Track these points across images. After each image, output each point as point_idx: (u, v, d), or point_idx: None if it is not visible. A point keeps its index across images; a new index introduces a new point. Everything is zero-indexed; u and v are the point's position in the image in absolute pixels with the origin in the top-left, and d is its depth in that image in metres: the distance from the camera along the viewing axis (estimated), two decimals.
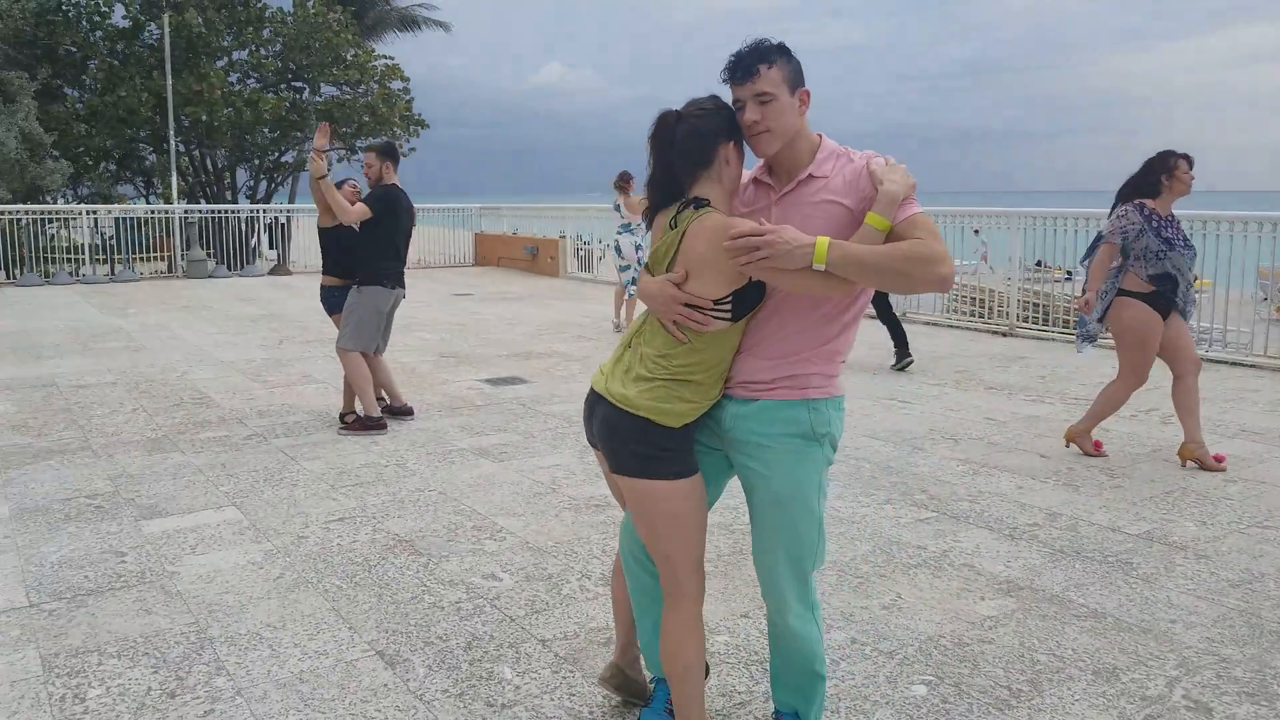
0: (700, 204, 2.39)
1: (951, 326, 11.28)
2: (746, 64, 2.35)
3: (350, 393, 6.23)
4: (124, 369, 8.21)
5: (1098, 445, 5.79)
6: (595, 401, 2.52)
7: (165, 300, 13.47)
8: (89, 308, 12.55)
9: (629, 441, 2.42)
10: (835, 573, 3.90)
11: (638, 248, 10.86)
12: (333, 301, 6.42)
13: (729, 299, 2.34)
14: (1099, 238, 5.66)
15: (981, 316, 11.37)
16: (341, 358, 6.17)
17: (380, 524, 4.42)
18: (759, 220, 2.32)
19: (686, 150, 2.39)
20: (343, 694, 2.92)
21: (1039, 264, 12.04)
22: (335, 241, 6.36)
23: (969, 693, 2.97)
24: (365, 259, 6.12)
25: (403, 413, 6.47)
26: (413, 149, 26.55)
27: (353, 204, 5.95)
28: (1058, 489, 5.07)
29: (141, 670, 3.03)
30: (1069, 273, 11.62)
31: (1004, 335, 10.62)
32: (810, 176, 2.41)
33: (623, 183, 11.01)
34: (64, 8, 21.35)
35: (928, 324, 11.40)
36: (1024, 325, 10.83)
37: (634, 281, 10.96)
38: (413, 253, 21.86)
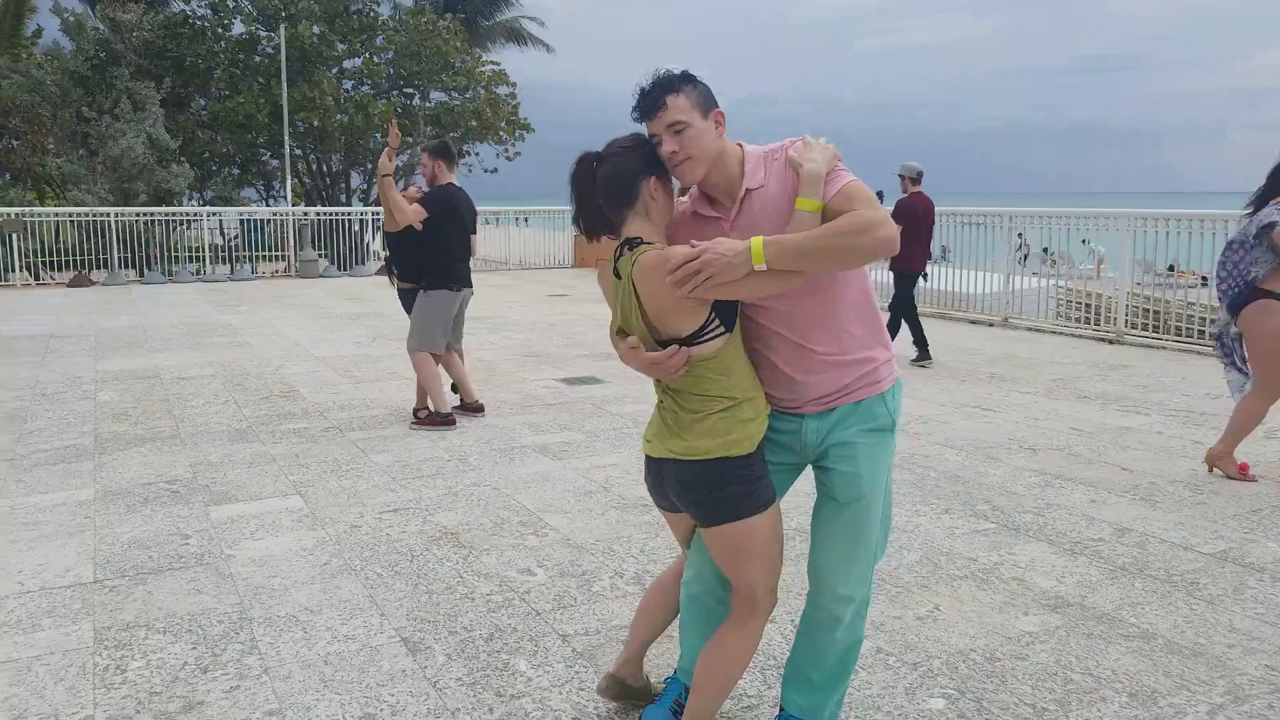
0: (634, 243, 2.36)
1: (1055, 332, 10.91)
2: (653, 98, 2.34)
3: (422, 390, 6.42)
4: (224, 363, 8.66)
5: (1244, 468, 5.32)
6: (659, 467, 2.46)
7: (275, 298, 14.11)
8: (205, 305, 13.25)
9: (712, 489, 2.36)
10: (875, 580, 3.83)
11: None
12: (409, 302, 6.63)
13: (713, 318, 2.31)
14: (1272, 224, 4.97)
15: (1088, 322, 10.96)
16: (411, 357, 6.36)
17: (431, 516, 4.56)
18: (690, 244, 2.27)
19: (610, 190, 2.37)
20: (361, 676, 3.03)
21: (1171, 269, 11.49)
22: (404, 244, 6.51)
23: (990, 709, 2.88)
24: (430, 262, 6.29)
25: (474, 410, 6.63)
26: (518, 153, 27.08)
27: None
28: (1133, 504, 4.86)
29: (182, 646, 3.21)
30: (1204, 278, 11.09)
31: (1110, 342, 10.20)
32: (748, 191, 2.39)
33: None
34: (190, 21, 22.56)
35: (1030, 330, 11.05)
36: (1132, 332, 10.38)
37: None
38: (513, 254, 22.11)
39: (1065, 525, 4.53)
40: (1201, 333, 10.25)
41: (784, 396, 2.45)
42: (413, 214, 6.00)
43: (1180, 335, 10.13)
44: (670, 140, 2.34)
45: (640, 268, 2.31)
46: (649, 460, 2.50)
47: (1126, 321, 10.48)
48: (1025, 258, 12.99)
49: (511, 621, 3.43)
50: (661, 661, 3.12)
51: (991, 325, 11.58)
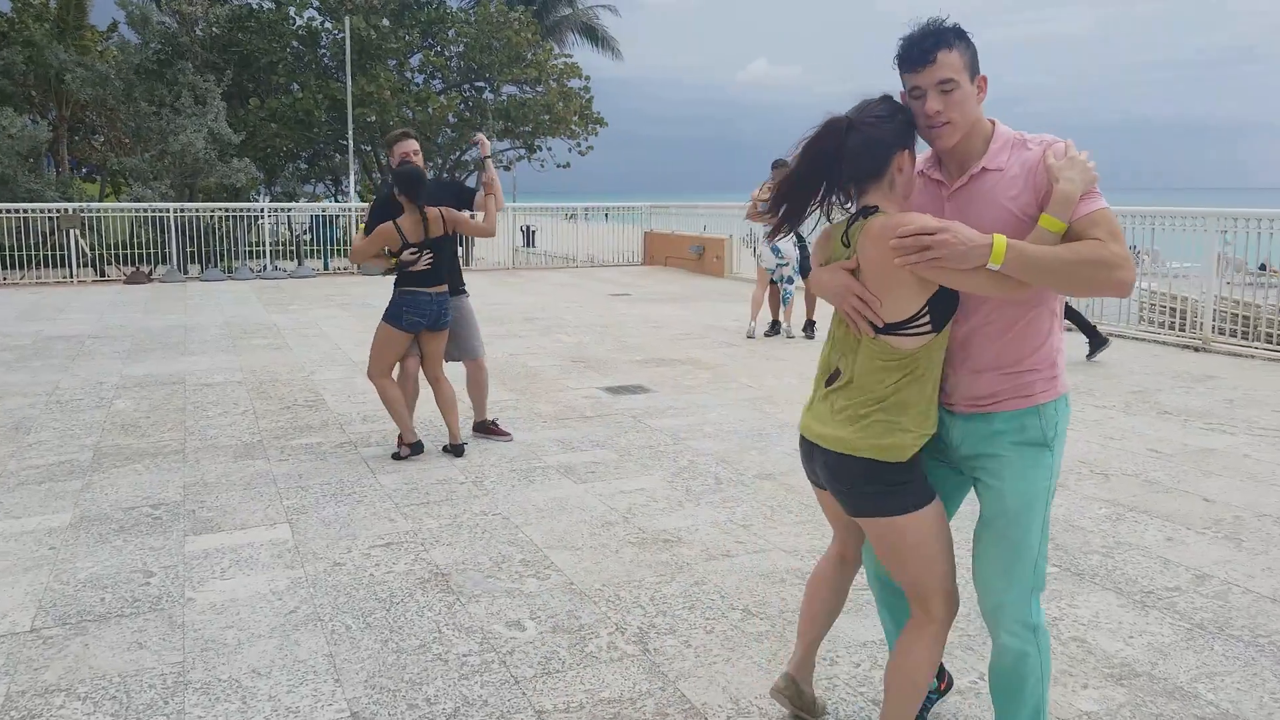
0: (868, 212, 2.29)
1: (1136, 339, 10.16)
2: (925, 48, 2.22)
3: (480, 398, 6.10)
4: (256, 367, 8.43)
5: None
6: (811, 448, 2.45)
7: (330, 296, 13.96)
8: (256, 303, 13.16)
9: (858, 483, 2.36)
10: (871, 653, 3.32)
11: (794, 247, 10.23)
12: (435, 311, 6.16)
13: (925, 311, 2.24)
14: None
15: (1172, 328, 10.19)
16: (480, 366, 6.09)
17: (425, 552, 4.18)
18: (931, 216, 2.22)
19: (859, 160, 2.27)
20: None
21: (1263, 267, 10.70)
22: (442, 247, 5.85)
23: None
24: (456, 264, 5.93)
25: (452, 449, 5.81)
26: (590, 147, 26.78)
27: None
28: (1215, 543, 4.30)
29: (100, 717, 2.86)
30: None
31: (1196, 350, 9.45)
32: (984, 170, 2.30)
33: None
34: (257, 14, 22.69)
35: (1110, 334, 10.31)
36: (1221, 339, 9.61)
37: (789, 280, 10.36)
38: (583, 251, 21.94)
39: (1137, 570, 4.00)
40: None
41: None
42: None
43: (1272, 342, 9.34)
44: (935, 98, 2.24)
45: (867, 232, 2.26)
46: (803, 438, 2.49)
47: (1214, 327, 9.70)
48: None
49: (484, 692, 3.02)
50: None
51: (1070, 330, 10.84)
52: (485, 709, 2.92)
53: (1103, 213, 2.20)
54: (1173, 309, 10.32)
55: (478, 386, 6.12)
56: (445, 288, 5.65)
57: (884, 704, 2.50)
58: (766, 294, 10.47)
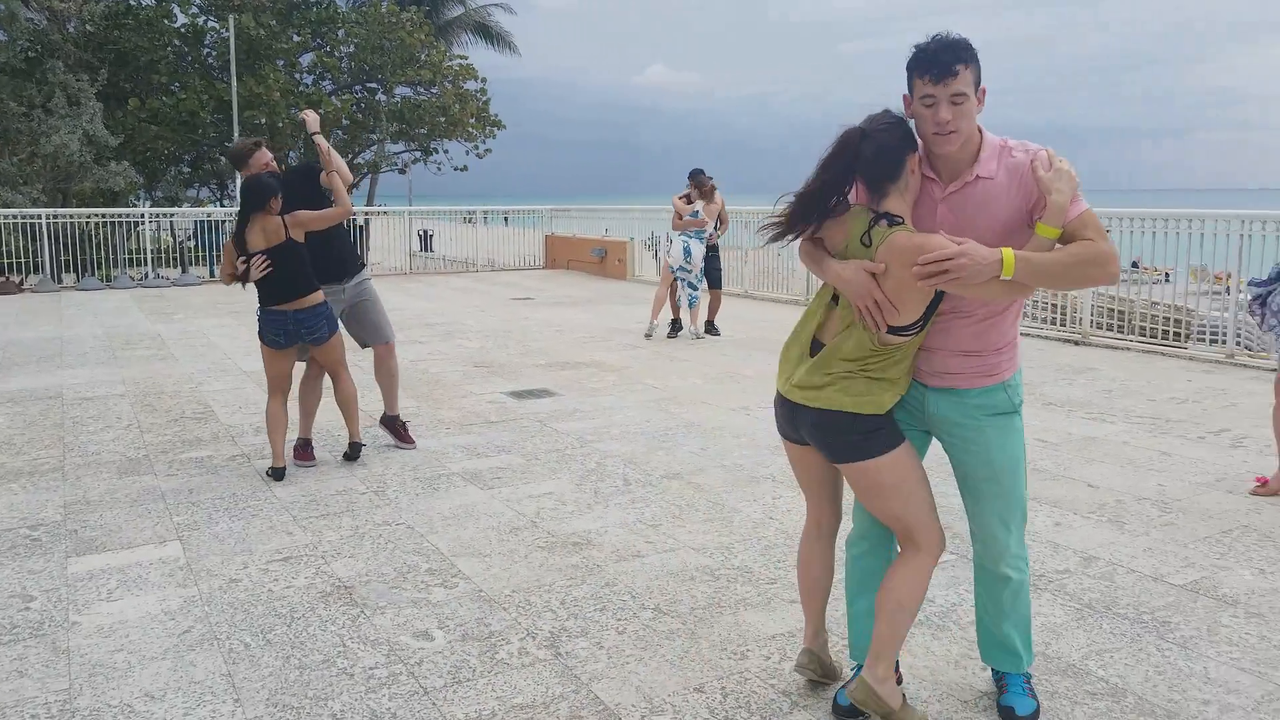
0: (893, 221, 2.50)
1: (1021, 334, 10.50)
2: (946, 62, 2.39)
3: (393, 394, 5.92)
4: (139, 379, 8.07)
5: (1261, 481, 5.08)
6: (795, 409, 2.68)
7: (217, 304, 13.48)
8: (138, 313, 12.61)
9: (843, 433, 2.62)
10: (781, 645, 3.36)
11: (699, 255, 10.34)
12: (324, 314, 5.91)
13: (923, 317, 2.53)
14: None
15: (1054, 323, 10.62)
16: (390, 353, 5.89)
17: (326, 565, 4.06)
18: (939, 232, 2.48)
19: (876, 166, 2.49)
20: None
21: (1135, 265, 11.24)
22: (320, 242, 5.51)
23: None
24: (350, 249, 5.83)
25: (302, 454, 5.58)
26: (488, 150, 26.54)
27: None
28: (1100, 526, 4.49)
29: None
30: (1167, 274, 10.87)
31: (1076, 344, 9.88)
32: (978, 178, 2.51)
33: (707, 186, 10.41)
34: (135, 11, 21.76)
35: None
36: (1099, 333, 10.07)
37: (693, 287, 10.41)
38: (483, 255, 21.69)
39: (1029, 554, 4.12)
40: (1165, 333, 10.01)
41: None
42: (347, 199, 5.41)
43: (1145, 335, 9.90)
44: (946, 108, 2.41)
45: (892, 246, 2.47)
46: (783, 399, 2.72)
47: (1092, 322, 10.16)
48: None
49: (392, 705, 2.95)
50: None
51: None
52: None
53: (1089, 214, 2.47)
54: (1054, 305, 10.77)
55: (388, 374, 5.89)
56: (312, 300, 5.25)
57: (874, 628, 2.73)
58: (669, 293, 10.54)
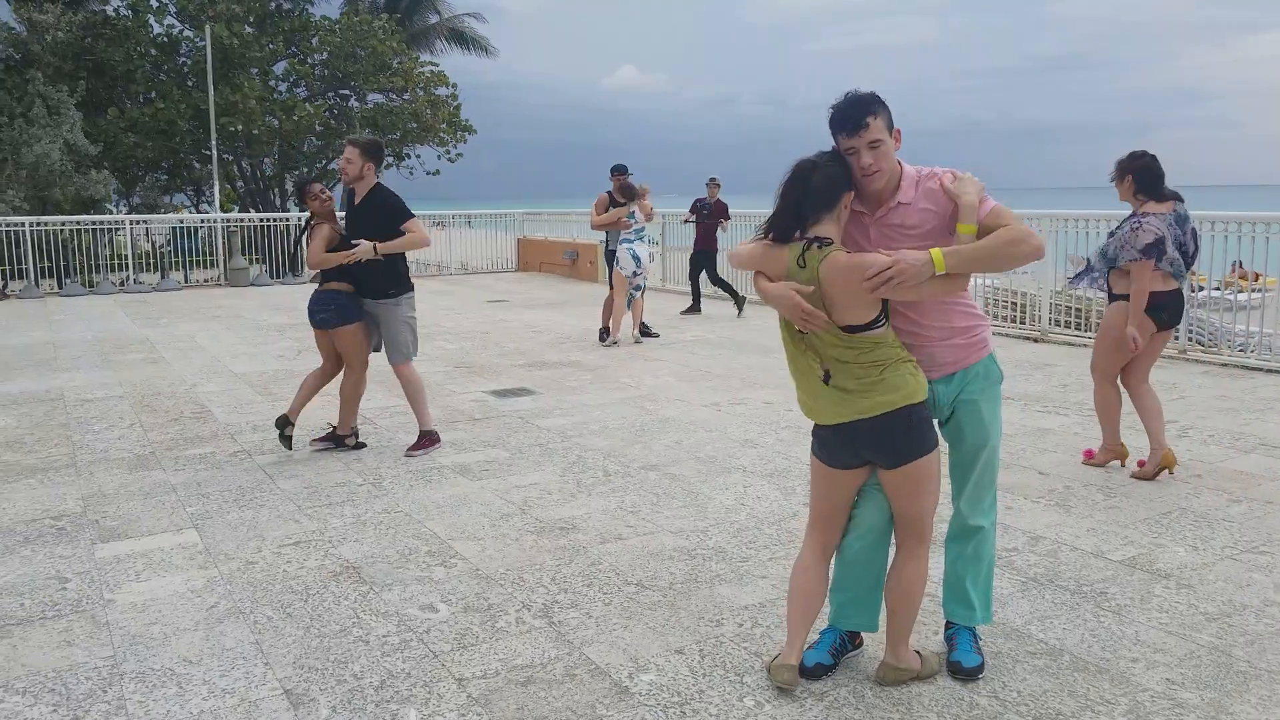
0: (824, 243, 2.84)
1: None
2: (856, 118, 2.80)
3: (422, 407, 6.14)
4: (135, 382, 8.33)
5: (1089, 454, 5.79)
6: (848, 431, 2.93)
7: (200, 309, 13.69)
8: (124, 318, 12.81)
9: (904, 432, 2.89)
10: (753, 614, 3.71)
11: (651, 258, 10.65)
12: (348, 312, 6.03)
13: (883, 313, 2.86)
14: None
15: (1015, 321, 11.05)
16: (409, 371, 6.14)
17: (334, 549, 4.39)
18: (878, 251, 2.83)
19: (819, 195, 2.84)
20: None
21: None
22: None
23: None
24: (401, 269, 6.06)
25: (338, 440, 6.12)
26: (460, 154, 26.74)
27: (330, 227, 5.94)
28: (1048, 510, 4.86)
29: (41, 709, 3.01)
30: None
31: (1035, 341, 10.30)
32: (899, 204, 2.92)
33: (634, 189, 10.66)
34: (112, 21, 21.85)
35: None
36: (1058, 330, 10.49)
37: (639, 290, 10.68)
38: (456, 258, 21.65)
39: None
40: None
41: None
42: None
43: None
44: (867, 154, 2.82)
45: (832, 265, 2.81)
46: (829, 429, 2.99)
47: (1051, 319, 10.59)
48: None
49: (406, 665, 3.29)
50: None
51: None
52: (409, 680, 3.19)
53: (999, 207, 2.87)
54: (1014, 303, 11.20)
55: (407, 391, 6.16)
56: (327, 286, 5.92)
57: (888, 621, 3.11)
58: (630, 302, 10.60)
